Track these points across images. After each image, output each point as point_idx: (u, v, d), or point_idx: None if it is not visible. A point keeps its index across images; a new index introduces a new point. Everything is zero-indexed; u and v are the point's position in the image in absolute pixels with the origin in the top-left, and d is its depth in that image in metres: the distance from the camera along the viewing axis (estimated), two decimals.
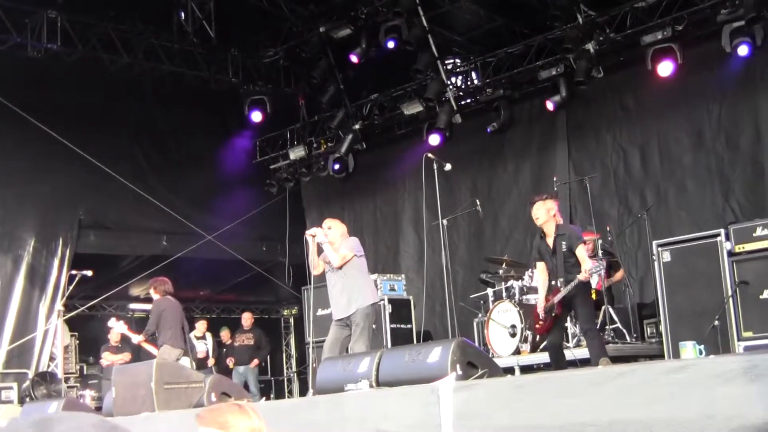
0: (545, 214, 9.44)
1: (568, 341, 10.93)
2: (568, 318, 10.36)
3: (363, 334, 9.50)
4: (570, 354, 10.06)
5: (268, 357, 19.30)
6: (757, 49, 12.60)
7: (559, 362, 9.50)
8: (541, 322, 9.59)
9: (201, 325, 17.07)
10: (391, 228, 17.68)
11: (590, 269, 8.98)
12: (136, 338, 12.66)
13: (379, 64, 16.60)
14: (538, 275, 9.77)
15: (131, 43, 15.69)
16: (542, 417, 4.72)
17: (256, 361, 16.98)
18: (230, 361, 16.78)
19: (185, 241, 17.29)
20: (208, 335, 17.06)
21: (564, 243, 9.28)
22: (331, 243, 9.77)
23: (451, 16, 15.70)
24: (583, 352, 9.98)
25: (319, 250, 9.84)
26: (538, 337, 10.46)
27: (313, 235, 9.77)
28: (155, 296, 12.41)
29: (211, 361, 16.62)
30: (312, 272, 10.01)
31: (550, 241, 9.44)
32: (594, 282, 10.38)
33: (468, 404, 5.17)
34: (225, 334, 17.65)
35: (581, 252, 9.22)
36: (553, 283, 9.44)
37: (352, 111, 17.35)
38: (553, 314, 9.36)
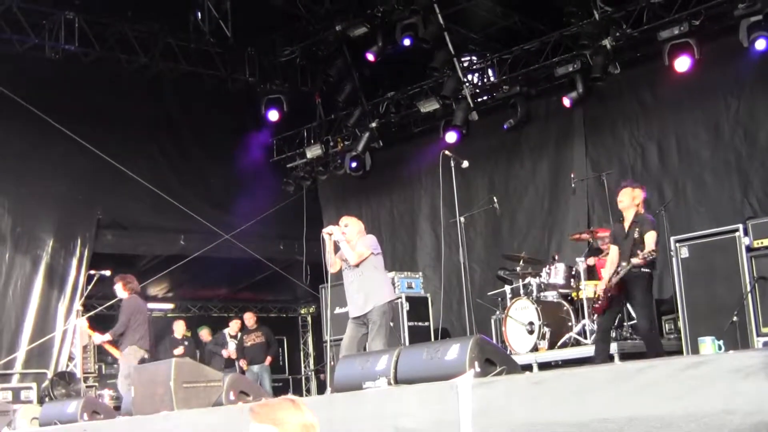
0: (629, 200, 9.88)
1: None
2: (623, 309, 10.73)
3: (380, 332, 9.49)
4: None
5: (286, 355, 19.34)
6: None
7: (603, 350, 9.95)
8: (599, 303, 10.01)
9: (235, 324, 17.13)
10: (408, 226, 17.67)
11: (645, 254, 9.39)
12: (100, 338, 12.66)
13: (396, 62, 16.59)
14: (609, 258, 10.15)
15: (148, 43, 15.75)
16: (561, 414, 4.71)
17: (269, 359, 16.99)
18: (243, 363, 16.74)
19: (203, 241, 17.33)
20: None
21: (637, 229, 9.67)
22: (347, 241, 9.77)
23: (467, 14, 15.67)
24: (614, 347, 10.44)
25: (336, 248, 9.84)
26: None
27: (330, 233, 9.77)
28: (123, 294, 12.43)
29: (243, 362, 16.69)
30: (329, 270, 10.00)
31: (626, 225, 9.84)
32: None
33: (487, 401, 5.16)
34: (204, 334, 17.62)
35: (649, 238, 9.59)
36: (619, 268, 9.78)
37: (368, 109, 17.35)
38: (609, 294, 9.78)
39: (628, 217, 9.86)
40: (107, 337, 12.37)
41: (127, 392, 11.54)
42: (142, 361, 11.83)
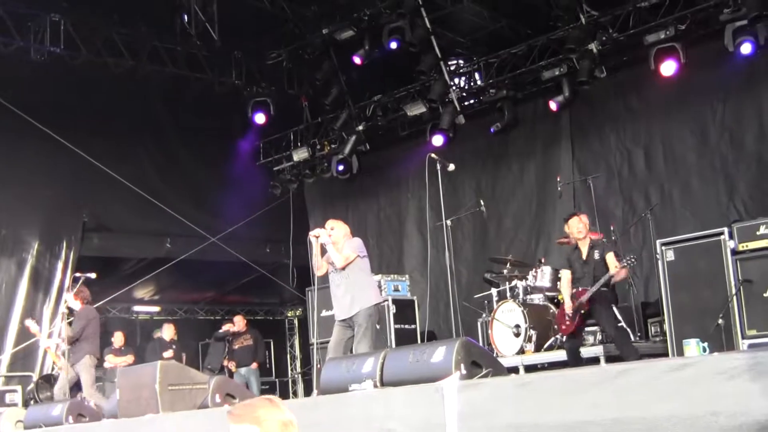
0: (585, 228, 10.47)
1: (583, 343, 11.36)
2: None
3: (366, 335, 9.49)
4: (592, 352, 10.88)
5: (272, 358, 19.32)
6: (760, 48, 12.59)
7: (577, 364, 10.20)
8: (568, 323, 10.36)
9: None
10: (395, 229, 17.67)
11: (621, 264, 10.04)
12: (46, 343, 12.77)
13: (383, 66, 16.60)
14: (564, 283, 10.58)
15: (135, 46, 15.70)
16: (546, 415, 4.71)
17: (256, 364, 16.98)
18: (231, 365, 16.74)
19: (189, 243, 17.32)
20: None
21: (597, 252, 10.23)
22: (334, 243, 9.77)
23: (454, 18, 15.69)
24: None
25: (323, 251, 9.84)
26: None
27: (317, 236, 9.77)
28: (76, 304, 12.51)
29: (232, 365, 16.66)
30: (316, 273, 10.02)
31: (584, 250, 10.34)
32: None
33: (472, 403, 5.17)
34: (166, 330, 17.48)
35: (611, 258, 10.13)
36: (574, 290, 10.32)
37: (355, 112, 17.35)
38: (582, 312, 10.18)
39: (584, 243, 10.36)
40: (53, 341, 12.51)
41: (100, 398, 11.67)
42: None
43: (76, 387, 12.58)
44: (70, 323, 12.55)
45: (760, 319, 9.84)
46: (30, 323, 13.34)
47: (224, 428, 3.83)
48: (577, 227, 10.37)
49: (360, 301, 9.62)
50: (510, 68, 15.30)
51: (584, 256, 10.29)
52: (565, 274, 10.52)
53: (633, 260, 10.26)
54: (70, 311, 12.66)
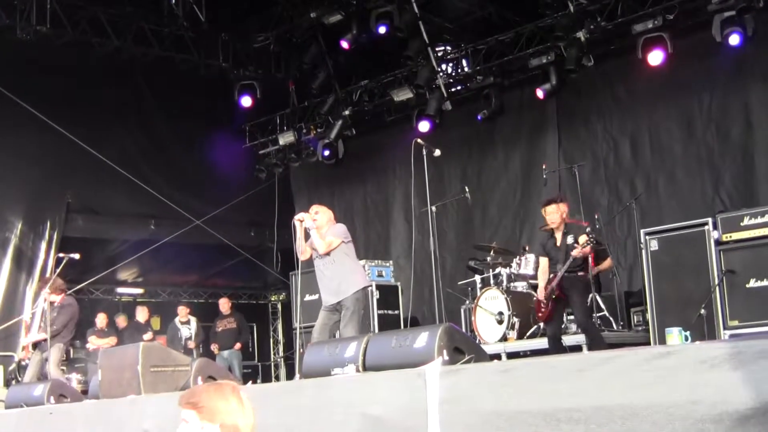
0: (559, 217, 10.25)
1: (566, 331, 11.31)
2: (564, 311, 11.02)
3: (353, 319, 9.53)
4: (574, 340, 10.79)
5: (255, 342, 19.33)
6: (748, 39, 12.60)
7: (558, 352, 10.05)
8: (543, 310, 10.33)
9: (183, 310, 17.07)
10: (381, 214, 17.67)
11: (582, 243, 9.89)
12: (29, 338, 12.97)
13: (370, 51, 16.58)
14: (540, 271, 10.57)
15: (121, 27, 15.62)
16: (528, 402, 4.71)
17: (239, 345, 17.03)
18: (214, 347, 16.80)
19: (173, 226, 17.27)
20: (192, 319, 17.06)
21: (570, 236, 10.12)
22: (318, 229, 9.76)
23: (442, 3, 15.69)
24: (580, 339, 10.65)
25: (307, 236, 9.84)
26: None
27: (301, 220, 9.77)
28: (55, 296, 12.57)
29: (192, 344, 16.66)
30: (299, 257, 10.01)
31: (558, 236, 10.26)
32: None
33: (454, 389, 5.17)
34: (120, 320, 17.48)
35: (582, 239, 10.00)
36: (551, 275, 10.26)
37: (342, 97, 17.32)
38: (554, 296, 10.12)
39: (559, 230, 10.27)
40: (42, 336, 12.58)
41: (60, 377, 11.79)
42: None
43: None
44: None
45: (742, 309, 9.90)
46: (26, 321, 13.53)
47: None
48: (551, 217, 10.26)
49: (347, 286, 9.65)
50: (497, 55, 15.29)
51: (558, 243, 10.25)
52: (542, 261, 10.53)
53: (592, 239, 10.03)
54: (51, 304, 12.63)
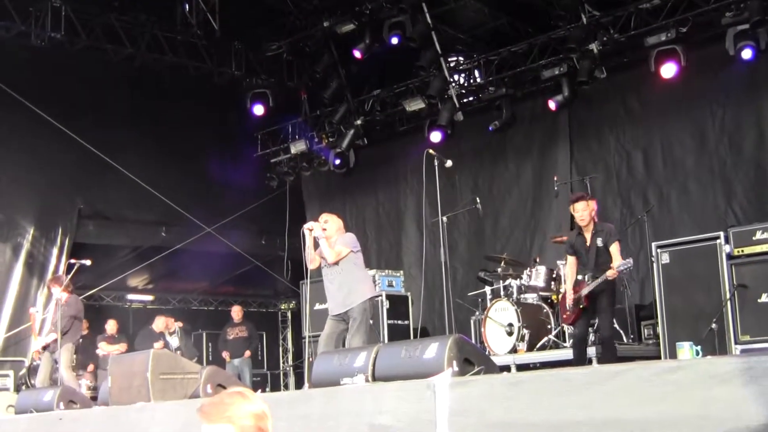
0: (588, 213, 9.93)
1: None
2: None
3: (360, 329, 9.50)
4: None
5: (265, 350, 19.33)
6: (761, 53, 12.58)
7: (581, 354, 10.04)
8: (568, 313, 10.16)
9: (169, 321, 16.73)
10: (393, 224, 17.64)
11: (618, 266, 9.57)
12: (40, 343, 13.03)
13: (382, 60, 16.57)
14: (568, 269, 10.33)
15: (134, 34, 15.68)
16: (537, 414, 4.71)
17: (248, 353, 17.00)
18: (226, 355, 16.81)
19: (184, 233, 17.30)
20: (177, 327, 16.80)
21: (600, 239, 9.84)
22: (327, 238, 9.75)
23: (455, 14, 15.67)
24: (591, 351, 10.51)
25: (316, 245, 9.83)
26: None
27: (310, 229, 9.75)
28: (62, 294, 12.65)
29: (226, 355, 16.75)
30: (308, 266, 9.97)
31: (587, 236, 9.95)
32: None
33: (463, 400, 5.16)
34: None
35: (615, 249, 9.76)
36: (579, 277, 10.01)
37: (354, 106, 17.33)
38: (581, 306, 9.88)
39: (588, 228, 9.95)
40: (51, 337, 12.67)
41: (73, 379, 11.83)
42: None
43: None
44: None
45: (753, 324, 9.85)
46: (34, 313, 13.52)
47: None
48: (581, 214, 9.92)
49: (355, 296, 9.63)
50: (510, 66, 15.28)
51: (588, 243, 9.92)
52: (570, 260, 10.21)
53: (629, 266, 9.71)
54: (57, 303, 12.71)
